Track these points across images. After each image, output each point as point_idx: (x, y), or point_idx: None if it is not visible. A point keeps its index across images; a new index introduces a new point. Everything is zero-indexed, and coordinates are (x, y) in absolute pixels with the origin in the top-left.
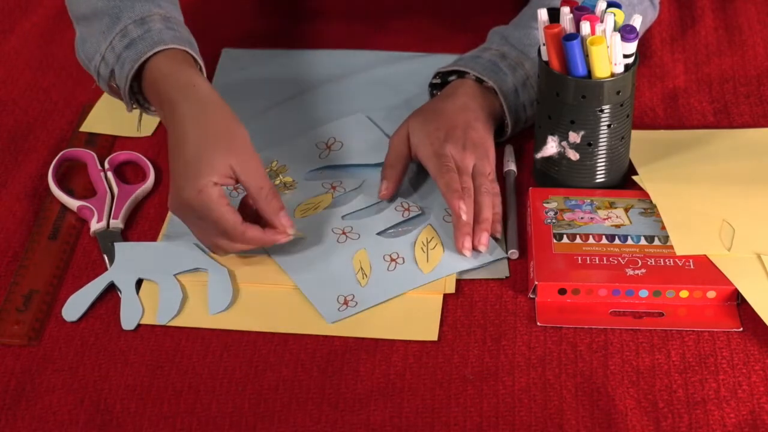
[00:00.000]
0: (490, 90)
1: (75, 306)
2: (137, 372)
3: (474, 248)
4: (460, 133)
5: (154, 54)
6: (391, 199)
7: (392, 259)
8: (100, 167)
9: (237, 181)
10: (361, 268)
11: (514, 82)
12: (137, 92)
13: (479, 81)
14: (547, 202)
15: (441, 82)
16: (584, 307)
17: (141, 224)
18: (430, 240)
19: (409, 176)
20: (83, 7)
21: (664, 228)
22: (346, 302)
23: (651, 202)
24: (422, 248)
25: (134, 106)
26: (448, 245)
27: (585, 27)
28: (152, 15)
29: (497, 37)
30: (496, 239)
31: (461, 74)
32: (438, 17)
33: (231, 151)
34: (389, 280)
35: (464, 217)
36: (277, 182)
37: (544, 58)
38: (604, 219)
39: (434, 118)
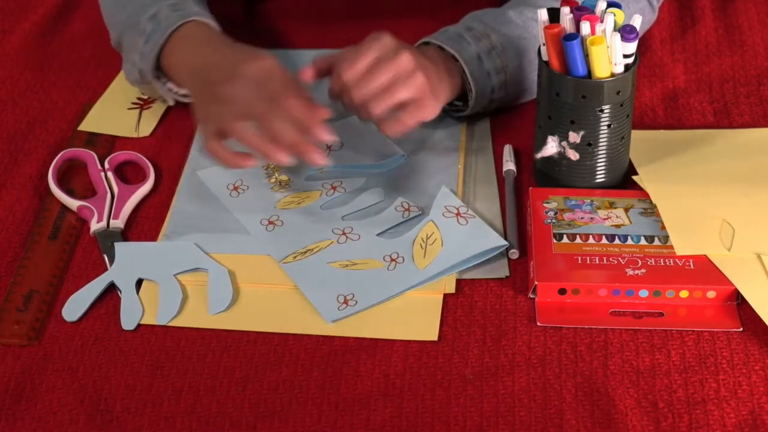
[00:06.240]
0: (451, 58)
1: (75, 306)
2: (137, 372)
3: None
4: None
5: (185, 23)
6: (392, 199)
7: (392, 260)
8: (100, 167)
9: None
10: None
11: (477, 50)
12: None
13: (442, 50)
14: (547, 202)
15: None
16: (584, 307)
17: (141, 224)
18: (430, 235)
19: (409, 176)
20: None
21: (664, 228)
22: (345, 301)
23: (651, 202)
24: (421, 245)
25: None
26: (447, 241)
27: (585, 27)
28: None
29: (469, 16)
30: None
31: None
32: (438, 17)
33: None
34: (389, 280)
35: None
36: (272, 180)
37: (544, 58)
38: (604, 219)
39: None
